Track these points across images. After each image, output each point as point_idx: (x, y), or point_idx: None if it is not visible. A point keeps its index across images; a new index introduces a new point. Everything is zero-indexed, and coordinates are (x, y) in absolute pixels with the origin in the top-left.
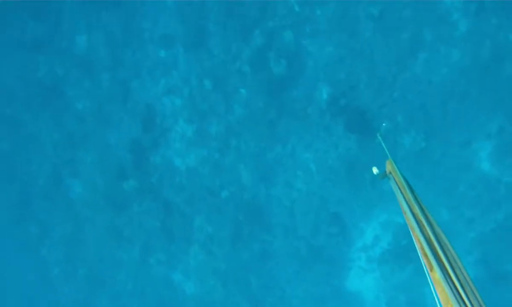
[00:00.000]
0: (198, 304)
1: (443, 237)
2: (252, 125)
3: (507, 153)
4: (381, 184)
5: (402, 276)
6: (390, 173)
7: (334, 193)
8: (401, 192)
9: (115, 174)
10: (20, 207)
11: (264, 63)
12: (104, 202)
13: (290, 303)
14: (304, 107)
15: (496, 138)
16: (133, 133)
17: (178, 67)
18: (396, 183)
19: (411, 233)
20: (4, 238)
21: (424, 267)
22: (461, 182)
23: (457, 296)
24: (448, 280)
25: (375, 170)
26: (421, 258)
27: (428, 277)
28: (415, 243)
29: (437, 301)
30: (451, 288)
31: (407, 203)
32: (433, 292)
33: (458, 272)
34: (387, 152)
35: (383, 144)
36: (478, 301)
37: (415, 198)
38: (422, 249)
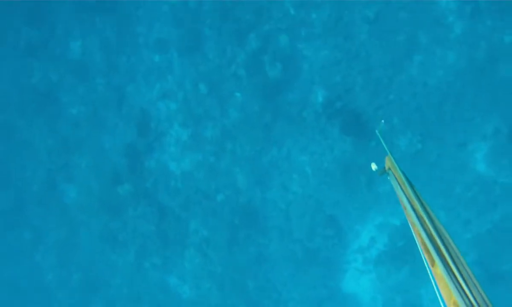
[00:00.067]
0: None
1: (444, 232)
2: (248, 129)
3: (503, 154)
4: (376, 186)
5: (398, 277)
6: (389, 169)
7: (330, 196)
8: (401, 188)
9: (110, 178)
10: (14, 213)
11: (260, 67)
12: (99, 207)
13: (286, 306)
14: (299, 110)
15: (492, 139)
16: (128, 138)
17: (173, 72)
18: (396, 178)
19: (412, 229)
20: None
21: (425, 262)
22: (457, 183)
23: (461, 290)
24: (451, 274)
25: (374, 166)
26: (422, 254)
27: (429, 273)
28: (415, 239)
29: (439, 297)
30: (454, 283)
31: (407, 198)
32: (435, 288)
33: (460, 267)
34: (386, 148)
35: (382, 141)
36: (481, 296)
37: (415, 193)
38: (424, 244)
